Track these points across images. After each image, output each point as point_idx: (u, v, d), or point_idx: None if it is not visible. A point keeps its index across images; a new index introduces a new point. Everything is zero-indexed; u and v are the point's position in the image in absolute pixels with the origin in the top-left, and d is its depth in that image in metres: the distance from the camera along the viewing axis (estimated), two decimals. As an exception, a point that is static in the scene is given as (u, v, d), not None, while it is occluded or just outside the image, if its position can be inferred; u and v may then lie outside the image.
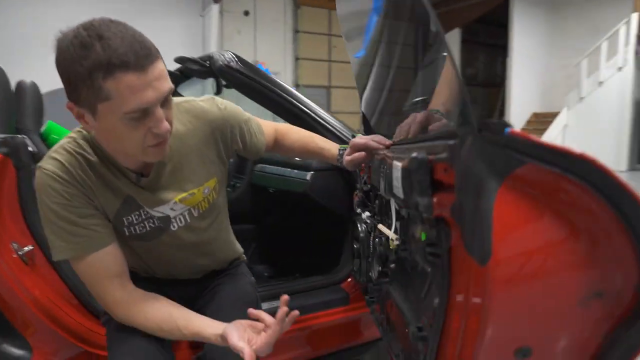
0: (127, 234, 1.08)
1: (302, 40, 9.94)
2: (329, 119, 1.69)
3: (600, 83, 8.97)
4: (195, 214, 1.14)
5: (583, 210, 0.48)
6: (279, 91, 1.63)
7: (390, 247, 1.05)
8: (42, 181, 0.96)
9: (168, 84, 0.89)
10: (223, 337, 0.96)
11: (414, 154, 0.62)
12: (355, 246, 1.49)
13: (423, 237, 0.76)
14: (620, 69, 8.78)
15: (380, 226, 1.00)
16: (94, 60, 0.80)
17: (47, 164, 0.97)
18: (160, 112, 0.89)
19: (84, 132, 1.01)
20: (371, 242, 1.39)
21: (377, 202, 1.34)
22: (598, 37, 8.85)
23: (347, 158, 1.23)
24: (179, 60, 1.72)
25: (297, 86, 9.45)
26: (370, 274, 1.31)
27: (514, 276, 0.49)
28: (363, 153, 1.18)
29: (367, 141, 1.18)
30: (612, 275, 0.49)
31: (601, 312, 0.51)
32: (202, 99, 1.18)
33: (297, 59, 9.96)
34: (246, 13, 9.16)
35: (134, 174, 1.04)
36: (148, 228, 1.09)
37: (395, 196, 0.76)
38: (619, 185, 0.46)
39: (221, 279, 1.29)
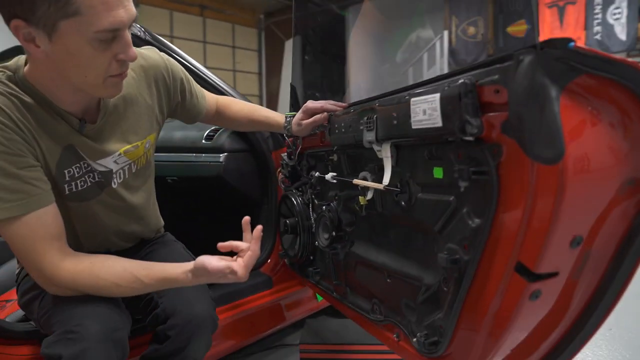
0: (66, 192, 0.94)
1: (143, 41, 9.37)
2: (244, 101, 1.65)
3: (424, 88, 10.39)
4: (134, 170, 1.06)
5: (630, 110, 0.58)
6: (194, 69, 1.54)
7: (361, 204, 1.07)
8: None
9: (134, 9, 0.82)
10: (196, 271, 0.89)
11: (461, 80, 0.67)
12: (287, 222, 1.47)
13: (438, 173, 0.81)
14: (438, 77, 10.26)
15: (357, 180, 1.02)
16: None
17: None
18: (128, 36, 0.83)
19: (8, 72, 0.87)
20: (310, 213, 1.39)
21: (314, 173, 1.35)
22: (420, 49, 10.19)
23: (307, 122, 1.21)
24: None
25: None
26: (316, 244, 1.31)
27: (580, 171, 0.57)
28: (325, 114, 1.19)
29: (323, 105, 1.19)
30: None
31: (632, 197, 0.62)
32: (142, 48, 1.11)
33: (137, 60, 9.34)
34: (77, 7, 8.29)
35: (75, 120, 0.92)
36: (89, 183, 0.98)
37: (415, 131, 0.79)
38: None
39: (151, 246, 1.20)
